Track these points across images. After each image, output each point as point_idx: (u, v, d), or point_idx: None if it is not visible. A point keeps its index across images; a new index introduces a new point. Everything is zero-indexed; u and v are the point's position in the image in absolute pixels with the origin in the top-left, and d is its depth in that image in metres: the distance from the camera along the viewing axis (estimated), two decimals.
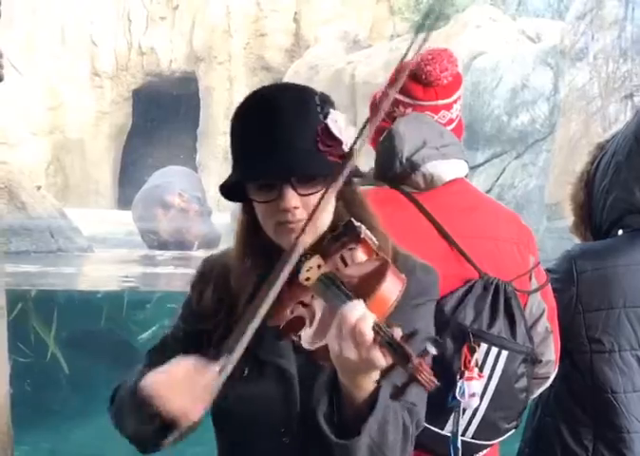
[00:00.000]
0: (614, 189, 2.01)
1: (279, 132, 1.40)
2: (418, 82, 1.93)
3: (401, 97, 1.93)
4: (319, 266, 1.38)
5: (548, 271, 2.00)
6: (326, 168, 1.40)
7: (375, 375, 1.30)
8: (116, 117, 21.09)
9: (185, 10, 20.99)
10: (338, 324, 1.28)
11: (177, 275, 11.01)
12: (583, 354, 1.95)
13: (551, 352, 1.91)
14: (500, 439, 1.84)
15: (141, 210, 15.52)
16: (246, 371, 1.44)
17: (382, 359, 1.25)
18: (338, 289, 1.34)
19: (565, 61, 12.03)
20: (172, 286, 9.50)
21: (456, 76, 1.96)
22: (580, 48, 11.63)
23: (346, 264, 1.39)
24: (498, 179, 12.70)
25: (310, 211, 1.39)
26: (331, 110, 1.43)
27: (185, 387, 1.31)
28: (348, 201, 1.47)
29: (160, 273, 11.73)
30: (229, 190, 1.48)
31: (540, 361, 1.88)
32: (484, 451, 1.83)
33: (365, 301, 1.30)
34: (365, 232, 1.40)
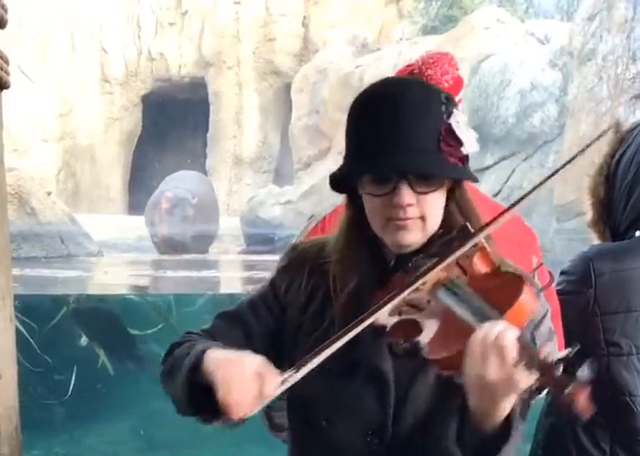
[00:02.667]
0: (636, 189, 1.98)
1: (401, 128, 1.37)
2: None
3: None
4: (435, 270, 1.33)
5: (563, 272, 1.98)
6: (445, 169, 1.39)
7: (509, 406, 1.27)
8: (126, 123, 21.15)
9: (194, 16, 21.04)
10: (474, 346, 1.23)
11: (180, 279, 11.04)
12: (600, 358, 1.92)
13: (557, 353, 1.91)
14: None
15: (148, 215, 15.59)
16: (339, 367, 1.41)
17: (526, 381, 1.21)
18: (466, 297, 1.29)
19: (574, 62, 12.00)
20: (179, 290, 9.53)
21: (457, 79, 1.97)
22: (589, 50, 11.60)
23: (464, 271, 1.35)
24: (507, 180, 12.68)
25: (423, 210, 1.38)
26: (455, 110, 1.40)
27: (249, 386, 1.30)
28: (458, 201, 1.44)
29: (170, 277, 11.76)
30: (338, 180, 1.45)
31: None
32: None
33: (503, 314, 1.25)
34: (482, 238, 1.37)
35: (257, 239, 15.46)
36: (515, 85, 13.31)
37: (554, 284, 1.96)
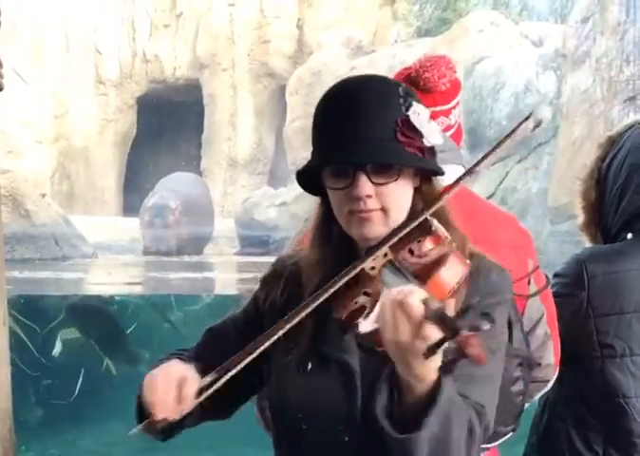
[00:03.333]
0: (627, 192, 1.99)
1: (358, 120, 1.39)
2: (416, 88, 1.93)
3: None
4: (385, 255, 1.36)
5: (556, 275, 1.99)
6: (402, 158, 1.39)
7: (434, 364, 1.27)
8: (120, 124, 21.12)
9: (189, 18, 21.03)
10: (384, 308, 1.27)
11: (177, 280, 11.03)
12: (594, 359, 1.94)
13: (550, 356, 1.91)
14: (498, 442, 1.84)
15: (141, 217, 15.62)
16: (309, 366, 1.43)
17: (433, 335, 1.22)
18: (401, 274, 1.33)
19: (568, 64, 12.03)
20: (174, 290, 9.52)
21: (454, 82, 1.97)
22: (583, 52, 11.63)
23: (413, 254, 1.37)
24: (501, 182, 12.69)
25: (383, 201, 1.39)
26: (414, 103, 1.41)
27: (170, 388, 1.39)
28: (425, 195, 1.45)
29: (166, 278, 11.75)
30: (307, 180, 1.47)
31: (539, 365, 1.88)
32: (482, 454, 1.84)
33: (424, 284, 1.29)
34: (436, 225, 1.39)
35: (252, 241, 15.46)
36: (509, 88, 13.33)
37: (549, 287, 1.97)
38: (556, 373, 1.93)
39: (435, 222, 1.39)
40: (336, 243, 1.46)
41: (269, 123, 20.55)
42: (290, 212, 14.97)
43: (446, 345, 1.22)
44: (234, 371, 1.37)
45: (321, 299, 1.36)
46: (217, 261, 15.53)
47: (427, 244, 1.37)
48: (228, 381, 1.39)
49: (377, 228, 1.39)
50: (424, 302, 1.24)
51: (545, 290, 1.91)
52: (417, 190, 1.44)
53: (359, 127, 1.40)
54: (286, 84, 18.29)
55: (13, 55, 17.20)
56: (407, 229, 1.37)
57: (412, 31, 18.81)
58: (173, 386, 1.38)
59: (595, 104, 11.17)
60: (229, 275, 13.22)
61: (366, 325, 1.33)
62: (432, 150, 1.43)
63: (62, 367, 6.31)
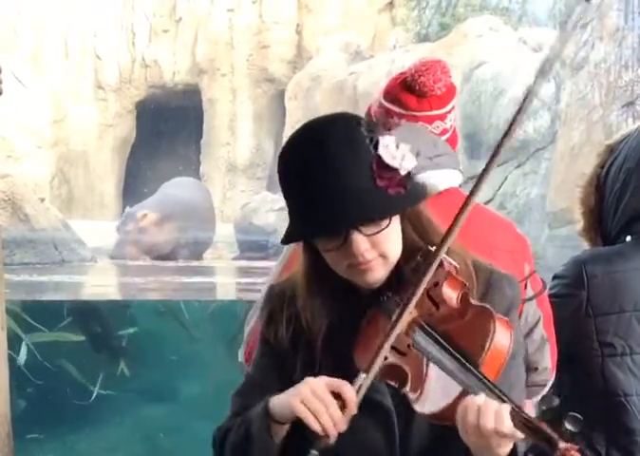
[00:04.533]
0: (625, 196, 2.01)
1: (333, 178, 1.35)
2: (412, 92, 1.94)
3: (394, 107, 1.93)
4: (410, 312, 1.33)
5: (556, 277, 2.00)
6: (388, 207, 1.36)
7: (508, 449, 1.30)
8: (120, 129, 21.13)
9: (188, 23, 21.05)
10: (473, 422, 1.26)
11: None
12: (594, 358, 1.94)
13: (547, 360, 1.92)
14: None
15: None
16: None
17: (521, 435, 1.25)
18: (441, 347, 1.30)
19: (566, 70, 12.05)
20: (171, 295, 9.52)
21: (450, 87, 1.97)
22: (581, 58, 11.65)
23: (435, 303, 1.34)
24: (499, 187, 12.70)
25: (380, 249, 1.36)
26: (380, 138, 1.37)
27: (328, 400, 1.31)
28: (414, 222, 1.42)
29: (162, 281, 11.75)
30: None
31: (536, 369, 1.89)
32: None
33: (477, 362, 1.27)
34: (447, 262, 1.36)
35: (251, 246, 15.46)
36: (507, 93, 13.35)
37: (546, 291, 1.98)
38: (553, 377, 1.94)
39: (444, 258, 1.36)
40: (333, 287, 1.43)
41: (268, 128, 20.56)
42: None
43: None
44: (376, 366, 1.32)
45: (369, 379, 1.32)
46: (217, 266, 15.54)
47: (448, 290, 1.35)
48: None
49: (379, 273, 1.39)
50: (512, 412, 1.25)
51: (541, 294, 1.92)
52: (402, 215, 1.41)
53: (337, 185, 1.35)
54: (285, 89, 18.31)
55: (13, 60, 17.21)
56: (425, 280, 1.34)
57: (411, 37, 18.83)
58: (332, 401, 1.31)
59: (594, 110, 11.19)
60: (228, 280, 13.22)
61: (419, 403, 1.31)
62: (409, 174, 1.39)
63: (60, 371, 6.31)
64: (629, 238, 2.01)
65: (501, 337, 1.29)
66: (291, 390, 1.34)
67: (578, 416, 1.24)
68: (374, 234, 1.37)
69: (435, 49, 14.20)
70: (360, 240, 1.36)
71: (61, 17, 20.33)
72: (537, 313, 1.90)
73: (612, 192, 2.04)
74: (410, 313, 1.33)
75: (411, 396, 1.32)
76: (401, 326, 1.33)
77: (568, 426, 1.22)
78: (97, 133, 20.72)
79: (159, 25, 21.27)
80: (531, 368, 1.87)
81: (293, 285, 1.49)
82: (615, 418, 1.93)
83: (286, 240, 1.43)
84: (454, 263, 1.38)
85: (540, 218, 11.44)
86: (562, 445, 1.21)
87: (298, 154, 1.39)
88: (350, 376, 1.36)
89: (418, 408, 1.31)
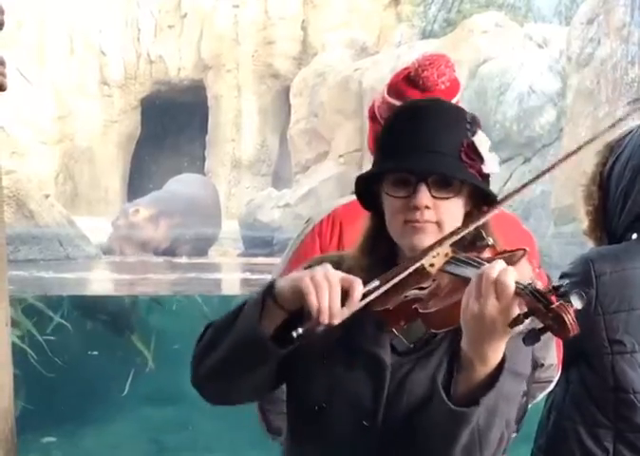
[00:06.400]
0: (631, 193, 2.01)
1: (426, 134, 1.45)
2: (415, 87, 1.94)
3: (398, 102, 1.92)
4: (446, 254, 1.39)
5: (564, 275, 2.00)
6: (465, 174, 1.44)
7: (501, 349, 1.32)
8: (124, 126, 21.14)
9: (193, 19, 21.04)
10: (478, 282, 1.31)
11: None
12: (603, 356, 1.95)
13: (552, 356, 1.91)
14: None
15: None
16: (339, 358, 1.44)
17: (523, 309, 1.28)
18: (469, 265, 1.37)
19: (572, 66, 12.02)
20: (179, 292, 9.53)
21: (453, 81, 1.96)
22: (588, 54, 11.62)
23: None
24: (505, 184, 12.68)
25: (439, 215, 1.43)
26: (479, 132, 1.47)
27: (336, 289, 1.33)
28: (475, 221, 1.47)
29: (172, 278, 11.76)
30: (364, 190, 1.50)
31: (542, 365, 1.88)
32: None
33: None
34: (493, 240, 1.43)
35: (256, 242, 15.47)
36: (513, 90, 13.32)
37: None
38: (559, 373, 1.93)
39: (490, 239, 1.43)
40: (382, 255, 1.49)
41: (273, 124, 20.56)
42: (293, 213, 14.97)
43: (529, 321, 1.27)
44: (397, 279, 1.36)
45: (383, 289, 1.36)
46: (222, 262, 15.54)
47: (487, 255, 1.41)
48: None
49: (429, 240, 1.42)
50: (517, 282, 1.29)
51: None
52: (467, 214, 1.47)
53: (426, 140, 1.44)
54: (290, 85, 18.29)
55: (17, 56, 17.22)
56: (468, 229, 1.40)
57: (416, 33, 18.80)
58: (338, 287, 1.33)
59: (600, 106, 11.16)
60: (233, 276, 13.23)
61: (425, 307, 1.36)
62: (487, 178, 1.47)
63: (72, 367, 6.31)
64: (635, 236, 2.01)
65: (526, 266, 1.35)
66: (305, 271, 1.38)
67: (584, 294, 1.26)
68: (440, 198, 1.43)
69: (440, 46, 14.16)
70: (425, 195, 1.42)
71: (66, 13, 20.33)
72: None
73: (618, 190, 2.04)
74: (446, 254, 1.39)
75: (419, 307, 1.36)
76: (430, 265, 1.38)
77: (573, 299, 1.24)
78: (102, 129, 20.73)
79: (164, 20, 21.27)
80: (537, 364, 1.85)
81: (339, 258, 1.54)
82: (624, 415, 1.93)
83: (359, 179, 1.49)
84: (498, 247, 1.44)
85: (546, 214, 11.42)
86: (560, 303, 1.24)
87: (403, 112, 1.52)
88: (365, 324, 1.41)
89: (422, 309, 1.36)
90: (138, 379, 6.36)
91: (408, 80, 1.95)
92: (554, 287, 1.26)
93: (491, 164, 1.46)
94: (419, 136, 1.45)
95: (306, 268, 1.52)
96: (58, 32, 20.48)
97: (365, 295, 1.34)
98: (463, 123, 1.47)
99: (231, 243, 16.41)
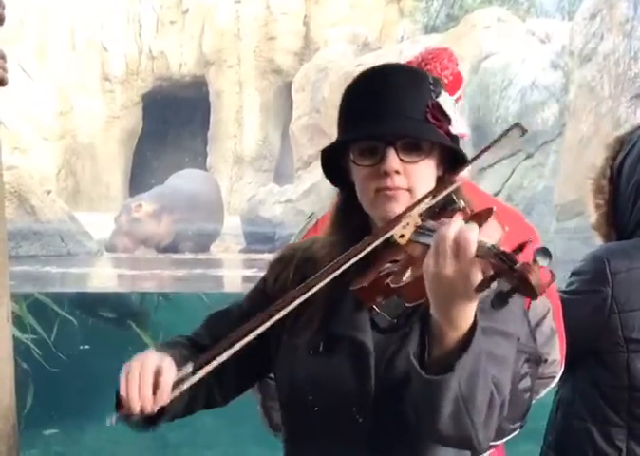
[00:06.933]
0: None
1: (389, 98, 1.40)
2: None
3: None
4: (416, 223, 1.34)
5: (574, 273, 1.98)
6: (433, 135, 1.40)
7: (470, 312, 1.25)
8: (126, 121, 21.14)
9: (195, 14, 21.03)
10: (436, 242, 1.24)
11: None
12: (618, 354, 1.93)
13: (556, 352, 1.90)
14: (505, 439, 1.83)
15: None
16: (321, 347, 1.41)
17: (481, 272, 1.21)
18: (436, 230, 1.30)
19: (575, 62, 11.99)
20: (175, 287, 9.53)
21: (456, 75, 1.96)
22: (590, 49, 11.59)
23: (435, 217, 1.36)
24: (507, 180, 12.66)
25: (410, 180, 1.39)
26: (443, 92, 1.43)
27: (145, 378, 1.33)
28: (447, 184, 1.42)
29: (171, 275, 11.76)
30: (329, 165, 1.46)
31: (545, 361, 1.88)
32: (489, 452, 1.83)
33: None
34: (464, 204, 1.37)
35: (258, 238, 15.46)
36: (515, 85, 13.30)
37: (555, 283, 1.96)
38: (562, 369, 1.92)
39: (462, 202, 1.37)
40: (354, 228, 1.45)
41: (275, 119, 20.55)
42: (295, 209, 14.96)
43: (495, 284, 1.20)
44: (216, 362, 1.32)
45: (342, 268, 1.32)
46: (224, 258, 15.55)
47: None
48: (224, 366, 1.34)
49: (402, 208, 1.38)
50: (479, 241, 1.23)
51: (550, 285, 1.90)
52: (439, 179, 1.43)
53: (390, 105, 1.40)
54: (292, 80, 18.27)
55: (19, 51, 17.22)
56: (437, 198, 1.36)
57: (419, 28, 18.78)
58: (149, 377, 1.33)
59: (602, 102, 11.13)
60: (235, 272, 13.23)
61: (397, 280, 1.30)
62: (457, 140, 1.43)
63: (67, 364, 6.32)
64: None
65: (492, 228, 1.27)
66: (134, 357, 1.37)
67: (548, 249, 1.20)
68: (410, 162, 1.39)
69: (443, 41, 14.14)
70: (394, 159, 1.38)
71: (67, 9, 20.32)
72: (547, 304, 1.89)
73: (630, 185, 2.01)
74: (415, 224, 1.34)
75: (390, 280, 1.31)
76: (400, 236, 1.33)
77: (538, 258, 1.18)
78: (103, 125, 20.74)
79: (165, 16, 21.25)
80: (540, 360, 1.85)
81: (312, 240, 1.52)
82: (638, 413, 1.92)
83: (324, 152, 1.45)
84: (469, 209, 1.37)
85: (548, 210, 11.40)
86: (526, 263, 1.17)
87: (363, 78, 1.45)
88: (343, 307, 1.39)
89: (394, 284, 1.30)
90: None
91: None
92: (519, 245, 1.20)
93: (458, 125, 1.41)
94: (381, 100, 1.40)
95: (275, 259, 1.53)
96: (60, 28, 20.48)
97: (179, 381, 1.33)
98: (426, 84, 1.42)
99: (232, 239, 16.41)
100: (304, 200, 15.07)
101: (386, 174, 1.38)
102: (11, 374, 1.84)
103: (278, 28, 20.43)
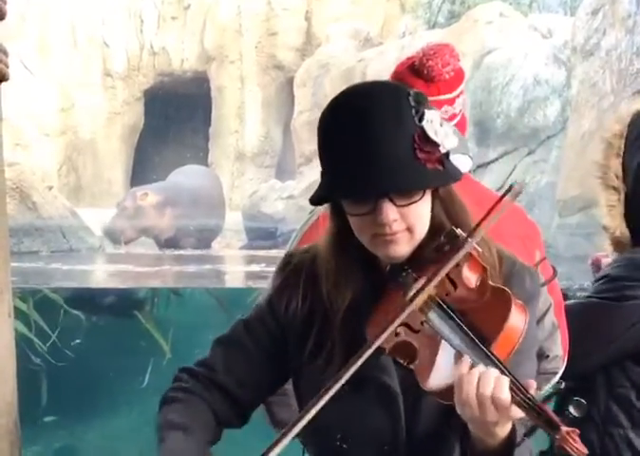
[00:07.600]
0: None
1: (374, 144, 1.32)
2: (420, 77, 1.93)
3: None
4: (430, 296, 1.31)
5: (615, 279, 1.96)
6: (425, 180, 1.34)
7: (509, 427, 1.29)
8: (128, 117, 21.12)
9: (196, 10, 21.01)
10: (471, 389, 1.24)
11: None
12: None
13: (558, 348, 1.90)
14: None
15: None
16: (346, 388, 1.36)
17: (521, 413, 1.24)
18: (456, 324, 1.28)
19: (577, 57, 11.97)
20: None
21: (458, 71, 1.96)
22: (593, 44, 11.57)
23: (455, 285, 1.33)
24: (509, 175, 12.65)
25: (408, 221, 1.34)
26: (426, 111, 1.35)
27: None
28: (445, 203, 1.40)
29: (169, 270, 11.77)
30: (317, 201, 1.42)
31: (547, 356, 1.87)
32: None
33: (490, 342, 1.26)
34: (471, 244, 1.33)
35: (259, 234, 15.46)
36: (518, 80, 13.27)
37: (556, 278, 1.95)
38: (564, 365, 1.91)
39: (469, 240, 1.33)
40: (355, 254, 1.41)
41: (276, 115, 20.53)
42: (297, 205, 14.95)
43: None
44: (382, 339, 1.31)
45: (369, 352, 1.32)
46: (225, 254, 15.55)
47: (468, 272, 1.33)
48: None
49: (403, 248, 1.36)
50: (511, 385, 1.24)
51: (552, 281, 1.90)
52: (433, 193, 1.39)
53: (376, 150, 1.32)
54: (294, 76, 18.26)
55: (21, 47, 17.20)
56: (450, 265, 1.32)
57: (421, 23, 18.74)
58: None
59: (605, 97, 11.11)
60: (237, 268, 13.23)
61: (427, 380, 1.30)
62: (448, 154, 1.38)
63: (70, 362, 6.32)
64: None
65: (517, 320, 1.27)
66: None
67: (583, 401, 1.23)
68: (405, 205, 1.34)
69: (445, 36, 14.10)
70: (389, 210, 1.34)
71: (68, 4, 20.30)
72: (548, 299, 1.89)
73: None
74: (428, 291, 1.32)
75: (419, 374, 1.31)
76: (417, 302, 1.31)
77: (572, 410, 1.21)
78: (105, 121, 20.72)
79: (167, 12, 21.23)
80: (543, 355, 1.84)
81: (313, 256, 1.46)
82: None
83: (314, 201, 1.41)
84: (477, 248, 1.35)
85: (550, 206, 11.39)
86: (564, 428, 1.18)
87: (340, 115, 1.36)
88: (382, 360, 1.37)
89: (425, 385, 1.30)
90: (148, 371, 6.36)
91: (413, 69, 1.94)
92: (550, 394, 1.26)
93: (447, 141, 1.35)
94: (365, 145, 1.32)
95: (280, 280, 1.49)
96: (61, 24, 20.46)
97: None
98: (408, 110, 1.34)
99: (234, 235, 16.41)
100: (306, 196, 14.92)
101: (383, 224, 1.34)
102: (13, 371, 1.83)
103: (280, 24, 20.41)
